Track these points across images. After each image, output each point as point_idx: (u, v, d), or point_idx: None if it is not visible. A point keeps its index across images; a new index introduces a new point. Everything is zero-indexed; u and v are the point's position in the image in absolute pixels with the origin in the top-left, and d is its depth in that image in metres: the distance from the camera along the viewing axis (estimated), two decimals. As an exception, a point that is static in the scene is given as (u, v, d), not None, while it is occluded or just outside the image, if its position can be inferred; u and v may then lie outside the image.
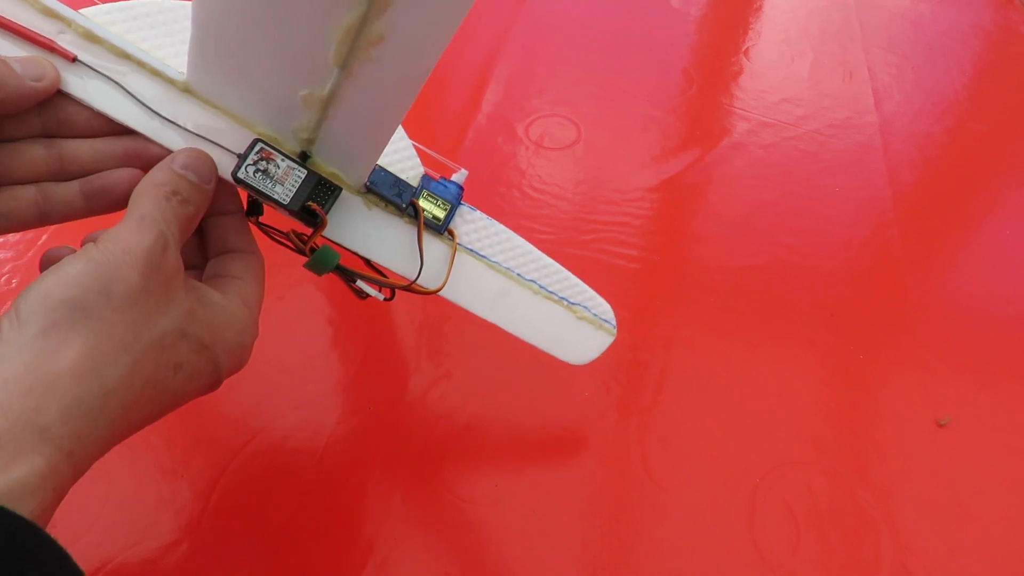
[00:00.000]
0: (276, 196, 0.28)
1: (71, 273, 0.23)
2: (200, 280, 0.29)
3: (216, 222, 0.29)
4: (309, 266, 0.30)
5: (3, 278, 0.41)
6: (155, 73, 0.28)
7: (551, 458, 0.37)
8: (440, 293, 0.32)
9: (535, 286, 0.34)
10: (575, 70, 0.59)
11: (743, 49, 0.63)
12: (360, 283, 0.31)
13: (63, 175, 0.28)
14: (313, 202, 0.28)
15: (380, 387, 0.39)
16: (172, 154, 0.27)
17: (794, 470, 0.37)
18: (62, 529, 0.33)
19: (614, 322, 0.36)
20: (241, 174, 0.28)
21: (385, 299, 0.31)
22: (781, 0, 0.70)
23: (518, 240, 0.34)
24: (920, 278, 0.46)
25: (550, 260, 0.34)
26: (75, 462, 0.22)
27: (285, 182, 0.28)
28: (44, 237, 0.44)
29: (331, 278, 0.32)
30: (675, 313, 0.43)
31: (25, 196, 0.28)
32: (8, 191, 0.28)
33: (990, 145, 0.56)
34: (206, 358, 0.26)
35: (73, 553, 0.22)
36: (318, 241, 0.30)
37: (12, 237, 0.44)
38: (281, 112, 0.27)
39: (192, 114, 0.28)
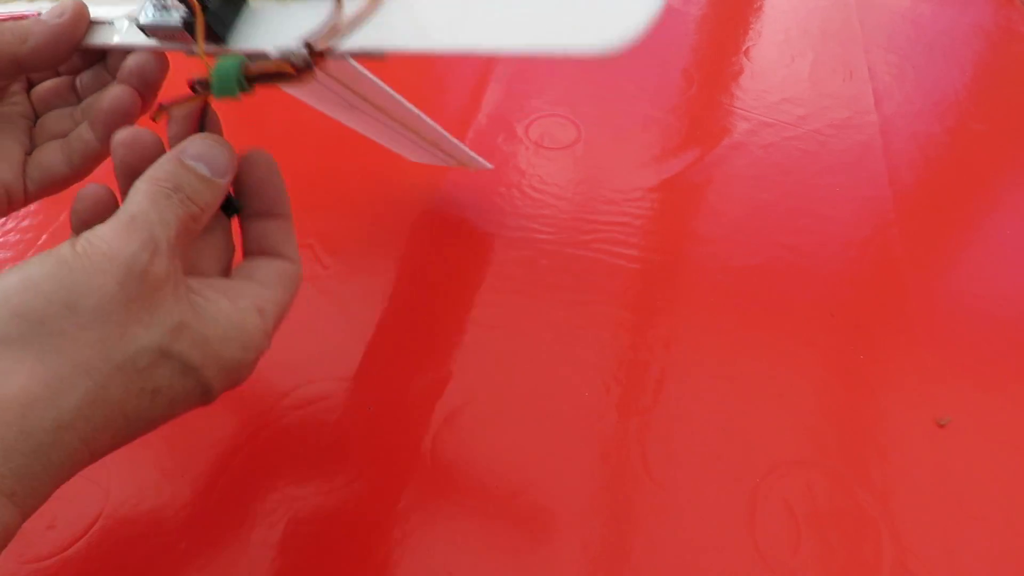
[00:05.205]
0: (171, 21, 0.25)
1: (34, 277, 0.20)
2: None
3: (257, 224, 0.27)
4: (217, 88, 0.25)
5: (3, 278, 0.41)
6: None
7: (551, 458, 0.37)
8: (376, 44, 0.24)
9: None
10: (575, 70, 0.59)
11: (743, 49, 0.63)
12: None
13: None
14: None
15: (380, 387, 0.39)
16: (182, 143, 0.24)
17: (794, 470, 0.37)
18: (62, 530, 0.33)
19: None
20: (143, 20, 0.25)
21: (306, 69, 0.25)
22: (781, 0, 0.70)
23: None
24: (920, 278, 0.46)
25: None
26: (20, 502, 0.19)
27: (180, 7, 0.25)
28: (44, 236, 0.44)
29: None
30: (675, 313, 0.43)
31: (53, 144, 0.29)
32: (42, 146, 0.29)
33: (990, 145, 0.56)
34: (192, 381, 0.23)
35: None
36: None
37: (12, 236, 0.44)
38: None
39: None
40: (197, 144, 0.24)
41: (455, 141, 0.41)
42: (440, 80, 0.57)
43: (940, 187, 0.53)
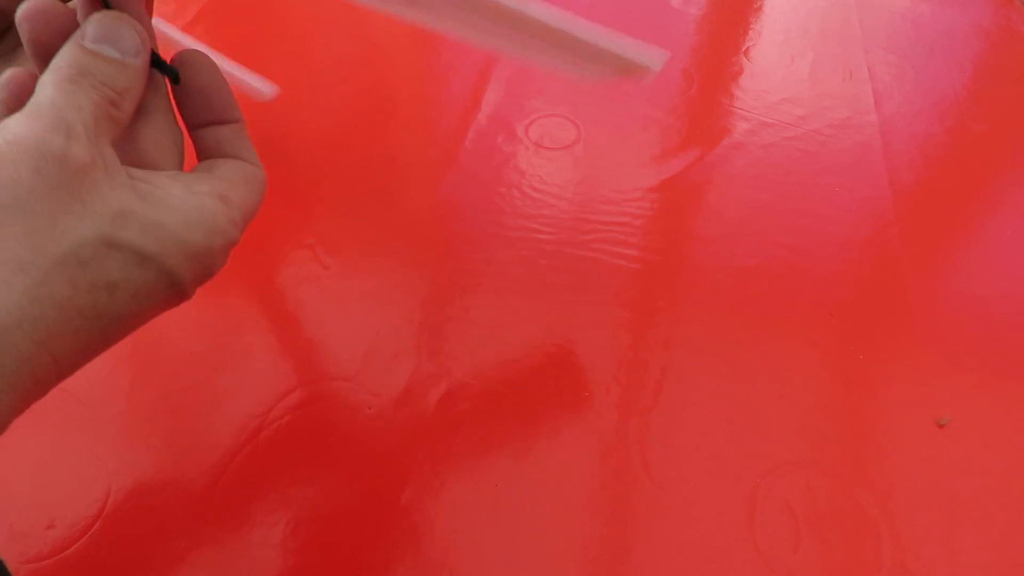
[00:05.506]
0: None
1: None
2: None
3: (209, 133, 0.25)
4: None
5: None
6: None
7: (551, 458, 0.37)
8: None
9: None
10: (575, 70, 0.59)
11: (743, 49, 0.63)
12: None
13: None
14: None
15: (380, 387, 0.39)
16: (82, 26, 0.22)
17: (794, 470, 0.37)
18: (62, 530, 0.33)
19: None
20: None
21: None
22: (781, 0, 0.70)
23: None
24: (920, 278, 0.46)
25: None
26: None
27: None
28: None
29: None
30: (675, 313, 0.43)
31: None
32: None
33: (990, 145, 0.56)
34: (153, 271, 0.21)
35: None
36: None
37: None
38: None
39: None
40: (95, 25, 0.22)
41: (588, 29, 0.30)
42: (441, 80, 0.57)
43: (940, 187, 0.53)
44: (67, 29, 0.22)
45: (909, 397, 0.40)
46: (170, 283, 0.21)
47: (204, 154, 0.25)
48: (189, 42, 0.43)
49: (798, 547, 0.34)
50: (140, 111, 0.24)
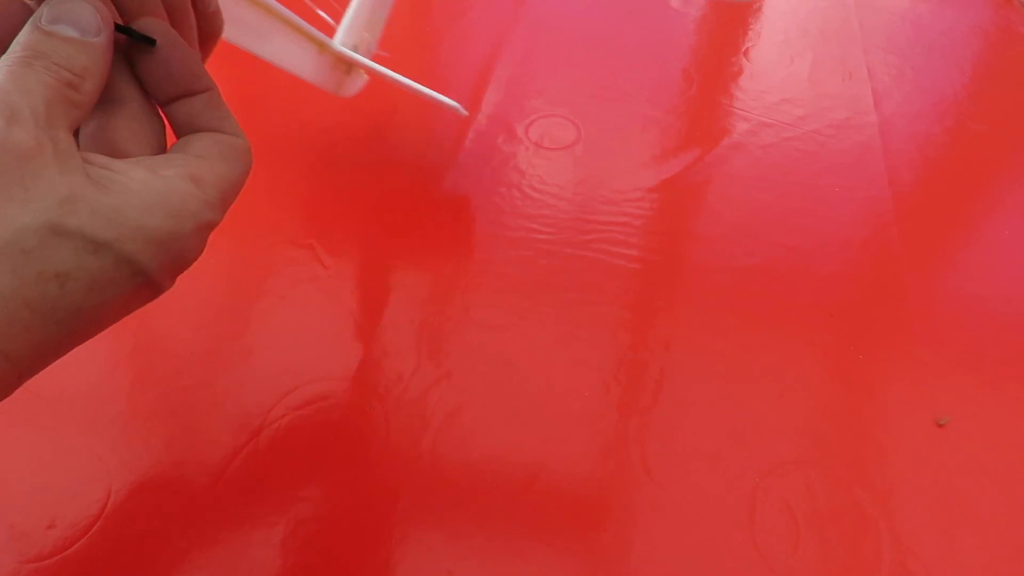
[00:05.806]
0: None
1: None
2: None
3: (180, 106, 0.24)
4: None
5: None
6: None
7: (551, 458, 0.37)
8: None
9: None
10: (575, 70, 0.59)
11: (743, 49, 0.63)
12: None
13: None
14: None
15: (380, 387, 0.39)
16: (39, 8, 0.21)
17: (794, 470, 0.37)
18: (62, 530, 0.33)
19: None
20: None
21: None
22: (781, 0, 0.70)
23: None
24: (920, 278, 0.46)
25: None
26: None
27: None
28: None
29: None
30: (675, 313, 0.43)
31: None
32: None
33: (990, 145, 0.56)
34: (110, 259, 0.19)
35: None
36: None
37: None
38: None
39: None
40: (52, 5, 0.21)
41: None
42: (441, 80, 0.57)
43: (939, 187, 0.53)
44: (19, 21, 0.21)
45: (909, 397, 0.40)
46: (133, 272, 0.20)
47: (179, 130, 0.24)
48: (387, 72, 0.46)
49: (798, 547, 0.34)
50: (112, 100, 0.23)
